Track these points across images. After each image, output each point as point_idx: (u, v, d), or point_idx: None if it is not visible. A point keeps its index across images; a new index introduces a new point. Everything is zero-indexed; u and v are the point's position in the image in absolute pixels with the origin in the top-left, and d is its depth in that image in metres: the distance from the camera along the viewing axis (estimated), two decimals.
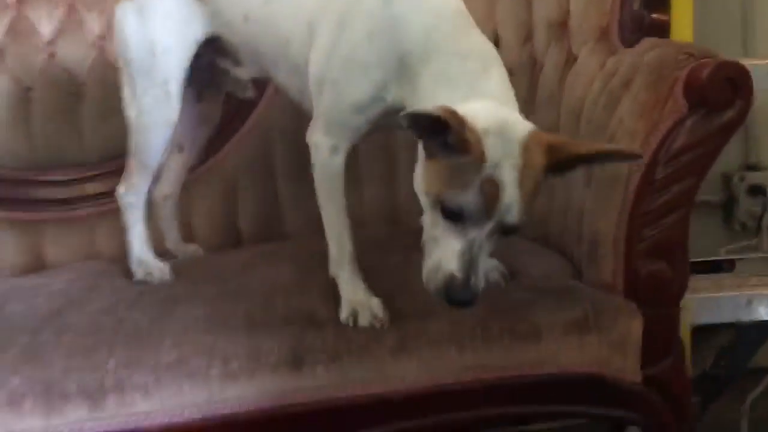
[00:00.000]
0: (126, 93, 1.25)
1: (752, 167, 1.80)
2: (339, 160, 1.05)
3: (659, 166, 1.01)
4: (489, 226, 0.88)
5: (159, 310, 1.07)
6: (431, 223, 0.92)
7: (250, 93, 1.33)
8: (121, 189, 1.29)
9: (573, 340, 1.01)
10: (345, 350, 0.99)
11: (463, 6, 1.07)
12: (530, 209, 0.90)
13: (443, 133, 0.87)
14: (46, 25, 1.61)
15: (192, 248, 1.43)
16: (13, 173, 1.62)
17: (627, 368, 1.02)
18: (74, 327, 1.04)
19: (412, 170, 1.33)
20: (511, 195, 0.88)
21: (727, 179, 1.80)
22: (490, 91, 0.96)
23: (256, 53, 1.19)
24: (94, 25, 1.60)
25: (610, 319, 1.02)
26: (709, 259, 1.59)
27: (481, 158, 0.87)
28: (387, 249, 1.24)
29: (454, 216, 0.89)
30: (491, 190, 0.87)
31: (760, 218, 1.72)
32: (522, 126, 0.92)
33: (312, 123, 1.08)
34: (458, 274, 0.88)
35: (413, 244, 1.17)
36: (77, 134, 1.62)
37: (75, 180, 1.63)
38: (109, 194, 1.44)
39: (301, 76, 1.09)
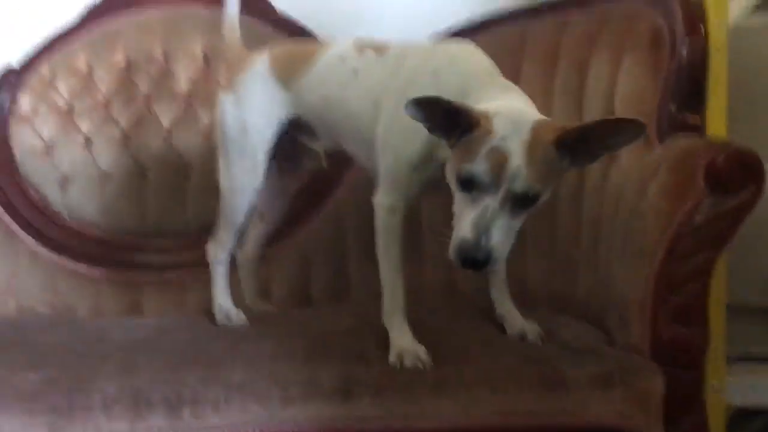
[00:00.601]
0: (221, 164, 1.48)
1: None
2: (397, 219, 1.22)
3: (682, 239, 1.13)
4: (500, 194, 0.99)
5: (233, 343, 1.24)
6: (456, 204, 1.05)
7: (325, 164, 1.53)
8: (210, 246, 1.50)
9: (598, 393, 1.10)
10: (389, 386, 1.11)
11: (492, 64, 1.23)
12: (541, 181, 0.99)
13: (459, 125, 1.01)
14: (166, 117, 1.91)
15: (267, 306, 1.60)
16: (121, 239, 1.88)
17: (649, 424, 1.10)
18: (163, 350, 1.22)
19: None
20: (517, 163, 0.98)
21: None
22: (512, 99, 1.11)
23: (331, 129, 1.40)
24: (205, 117, 1.87)
25: (633, 376, 1.11)
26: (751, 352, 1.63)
27: (488, 132, 0.99)
28: (439, 310, 1.38)
29: (467, 186, 1.01)
30: (498, 158, 0.99)
31: None
32: (533, 112, 1.04)
33: (376, 187, 1.26)
34: (469, 236, 0.99)
35: (462, 308, 1.31)
36: (182, 208, 1.87)
37: (175, 247, 1.86)
38: (201, 261, 1.67)
39: (369, 147, 1.28)
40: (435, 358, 1.15)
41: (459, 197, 1.05)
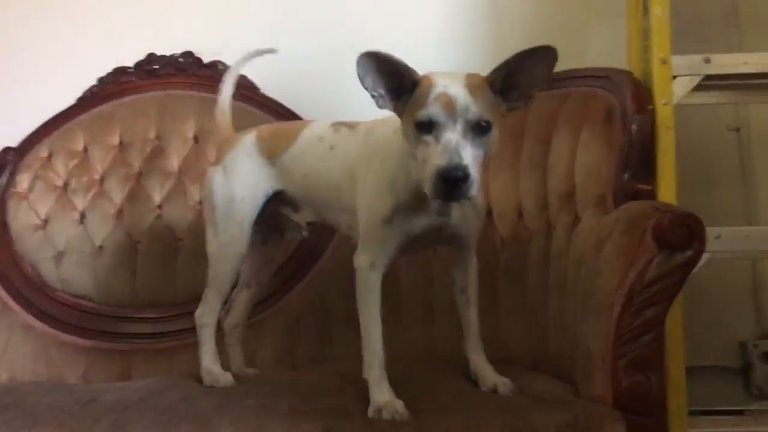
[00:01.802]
0: (209, 233, 1.57)
1: (766, 336, 1.95)
2: (376, 276, 1.31)
3: (635, 295, 1.23)
4: (458, 127, 1.14)
5: (221, 400, 1.30)
6: (418, 152, 1.16)
7: (306, 234, 1.62)
8: (198, 312, 1.57)
9: None
10: None
11: None
12: (488, 111, 1.15)
13: (403, 91, 1.18)
14: (157, 193, 2.01)
15: (252, 371, 1.66)
16: (112, 310, 1.95)
17: None
18: (154, 408, 1.28)
19: (447, 317, 1.60)
20: (464, 99, 1.14)
21: (743, 347, 1.95)
22: None
23: (313, 201, 1.51)
24: (194, 193, 1.97)
25: (596, 423, 1.19)
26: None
27: (431, 84, 1.17)
28: (417, 368, 1.45)
29: (427, 128, 1.14)
30: (447, 100, 1.15)
31: None
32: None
33: (357, 249, 1.36)
34: (443, 162, 1.11)
35: (440, 366, 1.39)
36: (171, 280, 1.95)
37: (164, 317, 1.93)
38: (189, 330, 1.73)
39: (349, 215, 1.39)
40: (412, 411, 1.22)
41: (420, 143, 1.17)
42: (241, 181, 1.55)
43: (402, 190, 1.28)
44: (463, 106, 1.15)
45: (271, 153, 1.55)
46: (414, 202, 1.28)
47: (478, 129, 1.16)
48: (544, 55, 1.19)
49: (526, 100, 1.25)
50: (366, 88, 1.22)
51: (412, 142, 1.19)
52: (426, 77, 1.20)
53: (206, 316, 1.55)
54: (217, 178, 1.57)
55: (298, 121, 1.80)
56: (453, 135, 1.15)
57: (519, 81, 1.21)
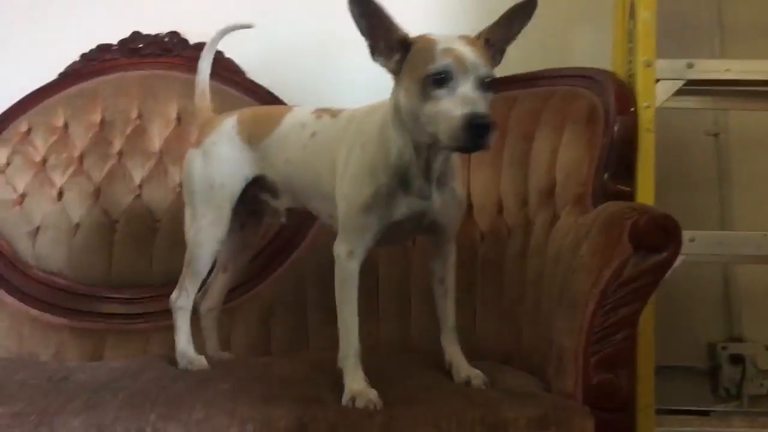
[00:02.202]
0: (187, 216, 1.57)
1: (735, 339, 1.99)
2: (354, 264, 1.32)
3: (609, 293, 1.25)
4: (471, 80, 1.15)
5: (195, 383, 1.31)
6: (430, 111, 1.16)
7: (284, 220, 1.62)
8: (174, 295, 1.56)
9: None
10: (341, 424, 1.18)
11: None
12: (493, 67, 1.19)
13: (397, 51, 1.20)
14: (138, 173, 2.00)
15: (227, 355, 1.67)
16: (86, 289, 1.94)
17: None
18: (127, 389, 1.27)
19: (423, 310, 1.61)
20: (472, 55, 1.16)
21: (712, 349, 1.99)
22: None
23: (293, 187, 1.51)
24: (175, 174, 1.96)
25: (566, 418, 1.20)
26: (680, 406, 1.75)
27: (432, 42, 1.18)
28: (392, 359, 1.46)
29: (439, 82, 1.15)
30: (455, 55, 1.16)
31: (740, 385, 1.88)
32: None
33: (336, 238, 1.36)
34: (467, 111, 1.12)
35: (414, 358, 1.41)
36: (148, 261, 1.94)
37: (139, 299, 1.93)
38: (164, 313, 1.73)
39: (329, 203, 1.39)
40: (385, 401, 1.23)
41: (430, 98, 1.16)
42: (221, 165, 1.54)
43: (383, 174, 1.28)
44: (473, 62, 1.17)
45: (252, 137, 1.54)
46: (395, 187, 1.28)
47: (485, 86, 1.18)
48: (529, 9, 1.24)
49: (502, 55, 1.28)
50: (361, 33, 1.22)
51: (418, 98, 1.18)
52: (423, 36, 1.22)
53: (182, 299, 1.55)
54: (196, 161, 1.57)
55: (281, 106, 1.79)
56: (468, 89, 1.16)
57: (505, 31, 1.26)
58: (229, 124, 1.57)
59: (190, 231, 1.55)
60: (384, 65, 1.24)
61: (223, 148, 1.55)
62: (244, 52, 2.02)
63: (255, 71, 2.06)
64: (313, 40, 2.09)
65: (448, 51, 1.18)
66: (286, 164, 1.49)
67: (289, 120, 1.52)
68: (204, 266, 1.55)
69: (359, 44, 2.04)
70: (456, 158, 1.36)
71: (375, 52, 1.23)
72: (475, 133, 1.12)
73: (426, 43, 1.20)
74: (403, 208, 1.30)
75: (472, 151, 1.22)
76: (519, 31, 1.27)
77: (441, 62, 1.16)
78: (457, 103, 1.14)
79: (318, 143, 1.44)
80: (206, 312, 1.68)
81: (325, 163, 1.40)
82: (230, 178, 1.54)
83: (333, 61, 2.11)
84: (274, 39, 2.08)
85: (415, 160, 1.27)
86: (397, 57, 1.22)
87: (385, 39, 1.22)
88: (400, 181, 1.28)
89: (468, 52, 1.18)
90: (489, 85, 1.19)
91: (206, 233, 1.53)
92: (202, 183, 1.55)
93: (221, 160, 1.55)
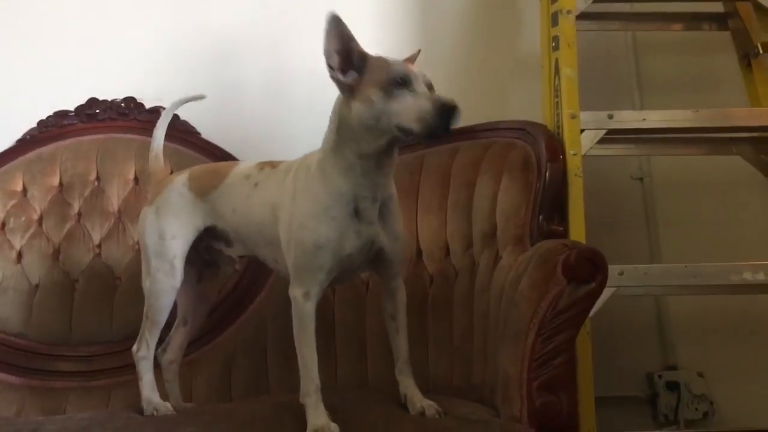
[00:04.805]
0: (143, 269, 1.64)
1: (670, 367, 2.13)
2: (310, 305, 1.40)
3: (547, 322, 1.37)
4: (422, 83, 1.33)
5: (163, 427, 1.36)
6: (398, 107, 1.31)
7: (237, 267, 1.71)
8: (135, 347, 1.63)
9: None
10: None
11: None
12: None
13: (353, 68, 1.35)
14: (97, 232, 2.05)
15: (190, 405, 1.71)
16: (47, 348, 1.96)
17: None
18: None
19: (379, 355, 1.70)
20: (418, 71, 1.35)
21: (650, 378, 2.12)
22: None
23: (241, 235, 1.60)
24: (134, 233, 2.02)
25: None
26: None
27: (383, 57, 1.35)
28: (350, 396, 1.54)
29: (403, 84, 1.31)
30: (407, 65, 1.35)
31: (677, 409, 2.01)
32: None
33: (291, 282, 1.45)
34: (436, 99, 1.30)
35: (371, 394, 1.49)
36: (108, 318, 1.98)
37: (100, 355, 1.96)
38: (125, 368, 1.78)
39: (275, 249, 1.49)
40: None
41: (394, 98, 1.32)
42: (173, 218, 1.62)
43: (332, 207, 1.38)
44: (419, 71, 1.36)
45: (202, 190, 1.63)
46: (344, 216, 1.38)
47: (432, 89, 1.36)
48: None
49: None
50: (326, 50, 1.35)
51: (383, 100, 1.32)
52: (373, 55, 1.37)
53: (143, 350, 1.61)
54: (149, 217, 1.65)
55: (230, 162, 1.89)
56: (424, 89, 1.34)
57: None
58: (180, 181, 1.67)
59: (146, 283, 1.62)
60: (341, 80, 1.36)
61: (174, 202, 1.64)
62: (197, 112, 2.11)
63: (209, 131, 2.16)
64: (264, 99, 2.22)
65: (401, 63, 1.37)
66: (233, 214, 1.59)
67: (235, 172, 1.62)
68: (161, 316, 1.61)
69: (306, 103, 2.19)
70: (396, 200, 1.48)
71: (335, 69, 1.36)
72: (446, 116, 1.28)
73: (381, 59, 1.36)
74: (353, 239, 1.39)
75: (440, 135, 1.32)
76: None
77: (401, 69, 1.34)
78: (423, 96, 1.32)
79: (260, 192, 1.55)
80: (167, 365, 1.73)
81: (267, 211, 1.51)
82: (182, 228, 1.62)
83: (283, 118, 2.23)
84: (226, 100, 2.20)
85: (362, 180, 1.38)
86: (354, 74, 1.36)
87: (347, 57, 1.35)
88: (348, 207, 1.39)
89: (411, 65, 1.38)
90: (431, 88, 1.37)
91: (161, 284, 1.60)
92: (154, 236, 1.63)
93: (173, 214, 1.63)
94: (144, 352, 1.61)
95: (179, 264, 1.61)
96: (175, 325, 1.74)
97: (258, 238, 1.56)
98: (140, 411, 1.54)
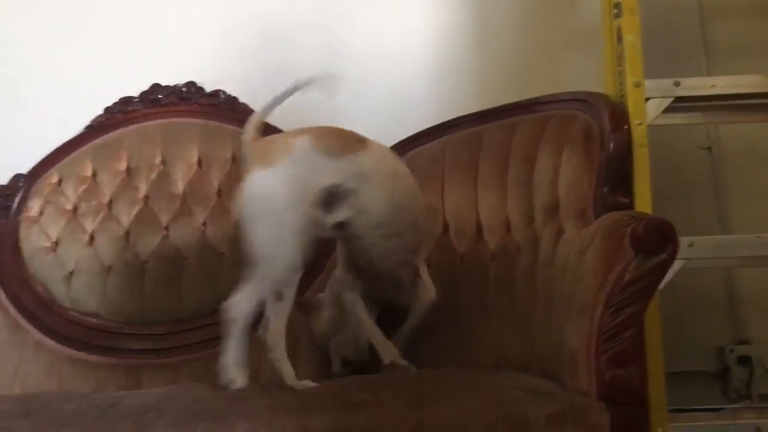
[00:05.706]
0: (261, 235, 1.51)
1: (742, 341, 2.07)
2: None
3: (614, 295, 1.34)
4: None
5: (235, 400, 1.40)
6: None
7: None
8: (228, 302, 1.52)
9: (554, 429, 1.28)
10: (373, 427, 1.28)
11: None
12: None
13: None
14: (164, 215, 2.11)
15: (309, 383, 1.53)
16: (121, 327, 2.04)
17: None
18: (172, 410, 1.37)
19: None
20: None
21: (720, 352, 2.07)
22: None
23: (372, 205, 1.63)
24: (199, 214, 2.08)
25: (582, 414, 1.29)
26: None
27: None
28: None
29: None
30: None
31: (749, 384, 1.97)
32: None
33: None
34: None
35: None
36: (178, 297, 2.04)
37: (170, 333, 2.03)
38: (195, 345, 1.83)
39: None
40: (417, 399, 1.33)
41: None
42: (301, 182, 1.55)
43: None
44: None
45: (332, 151, 1.59)
46: None
47: None
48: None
49: None
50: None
51: None
52: None
53: (239, 314, 1.51)
54: (271, 181, 1.54)
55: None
56: None
57: None
58: (302, 141, 1.60)
59: (268, 247, 1.51)
60: None
61: (302, 164, 1.57)
62: (255, 96, 2.13)
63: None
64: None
65: None
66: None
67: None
68: (278, 284, 1.53)
69: (360, 84, 2.19)
70: None
71: None
72: None
73: None
74: None
75: None
76: None
77: None
78: None
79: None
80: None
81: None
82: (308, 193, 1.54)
83: (341, 103, 2.24)
84: (282, 83, 2.21)
85: None
86: None
87: None
88: None
89: None
90: None
91: (293, 255, 1.52)
92: (284, 201, 1.53)
93: (301, 177, 1.55)
94: (236, 313, 1.51)
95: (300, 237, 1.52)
96: (271, 300, 1.56)
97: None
98: (212, 386, 1.58)
